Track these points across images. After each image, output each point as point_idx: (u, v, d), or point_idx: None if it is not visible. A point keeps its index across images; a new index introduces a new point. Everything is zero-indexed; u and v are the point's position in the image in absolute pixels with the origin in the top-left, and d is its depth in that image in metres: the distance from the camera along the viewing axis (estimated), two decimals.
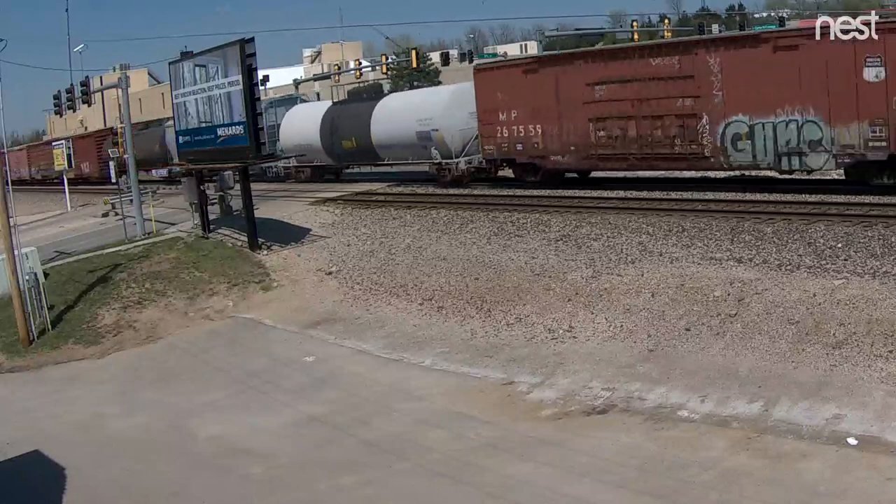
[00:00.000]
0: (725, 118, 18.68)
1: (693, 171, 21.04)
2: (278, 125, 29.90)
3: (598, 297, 14.33)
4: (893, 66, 16.23)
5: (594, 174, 23.37)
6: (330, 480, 10.06)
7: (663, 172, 21.86)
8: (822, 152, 17.37)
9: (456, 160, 24.83)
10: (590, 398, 11.26)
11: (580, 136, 21.52)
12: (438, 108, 25.10)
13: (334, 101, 30.58)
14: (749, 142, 18.38)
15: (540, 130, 22.48)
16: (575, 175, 23.41)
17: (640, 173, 22.20)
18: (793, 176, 18.72)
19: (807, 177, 18.87)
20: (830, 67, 16.89)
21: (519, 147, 23.14)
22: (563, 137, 21.98)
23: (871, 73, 16.52)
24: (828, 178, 18.98)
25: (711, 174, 21.08)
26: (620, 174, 22.62)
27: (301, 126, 29.08)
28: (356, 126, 26.58)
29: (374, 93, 29.27)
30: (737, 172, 20.40)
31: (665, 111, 19.73)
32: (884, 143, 16.51)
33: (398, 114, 26.04)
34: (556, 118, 21.99)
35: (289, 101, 33.78)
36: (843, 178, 18.17)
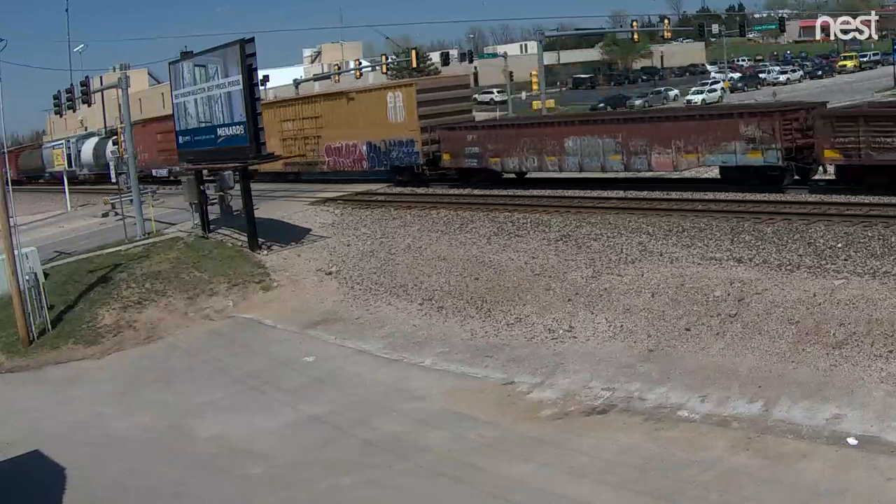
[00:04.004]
0: None
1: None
2: (79, 151, 46.94)
3: (598, 297, 14.34)
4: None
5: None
6: (330, 480, 10.07)
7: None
8: None
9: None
10: (590, 398, 11.26)
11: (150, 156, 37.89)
12: (87, 147, 45.23)
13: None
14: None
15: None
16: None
17: None
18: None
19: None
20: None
21: None
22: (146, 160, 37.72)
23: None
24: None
25: None
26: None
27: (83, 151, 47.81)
28: (88, 154, 46.18)
29: (109, 134, 47.09)
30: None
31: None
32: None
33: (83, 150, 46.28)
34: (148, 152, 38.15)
35: (89, 136, 50.72)
36: None
